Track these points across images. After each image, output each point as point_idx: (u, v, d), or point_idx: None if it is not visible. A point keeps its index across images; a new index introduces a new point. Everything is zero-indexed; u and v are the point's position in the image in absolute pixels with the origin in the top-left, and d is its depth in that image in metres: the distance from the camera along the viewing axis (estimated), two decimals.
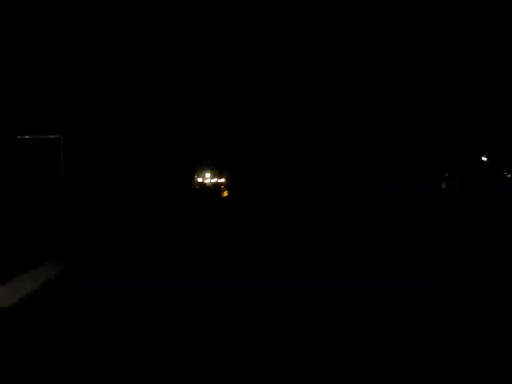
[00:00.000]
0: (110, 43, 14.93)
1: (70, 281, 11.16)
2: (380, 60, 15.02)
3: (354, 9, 14.99)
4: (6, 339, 8.10)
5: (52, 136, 14.54)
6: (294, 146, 15.27)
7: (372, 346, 7.76)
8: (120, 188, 16.16)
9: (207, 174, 36.05)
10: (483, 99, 15.26)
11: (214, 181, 36.75)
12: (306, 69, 15.21)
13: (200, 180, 34.68)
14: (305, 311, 9.35)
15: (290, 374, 7.11)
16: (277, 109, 15.06)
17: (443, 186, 18.63)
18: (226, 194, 28.97)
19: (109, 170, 15.70)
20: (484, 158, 15.74)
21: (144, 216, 16.98)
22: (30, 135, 14.93)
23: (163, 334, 8.27)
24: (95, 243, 13.97)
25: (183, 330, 8.45)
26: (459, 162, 15.16)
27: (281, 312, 9.30)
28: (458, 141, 15.21)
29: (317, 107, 15.22)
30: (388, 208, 15.26)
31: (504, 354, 7.41)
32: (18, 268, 11.55)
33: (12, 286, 10.87)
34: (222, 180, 34.09)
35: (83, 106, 15.11)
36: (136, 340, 8.03)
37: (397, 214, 15.29)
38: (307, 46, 15.14)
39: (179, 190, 15.50)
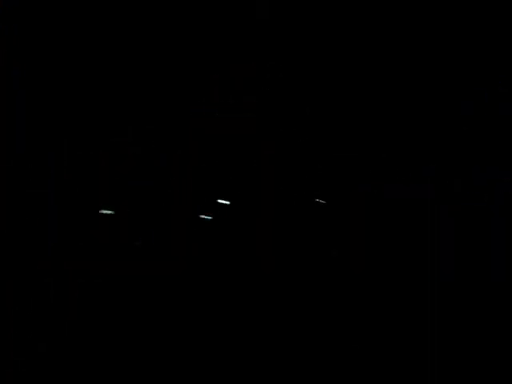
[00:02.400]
0: (110, 42, 14.92)
1: None
2: (380, 59, 15.02)
3: (354, 9, 14.99)
4: None
5: None
6: (293, 145, 15.27)
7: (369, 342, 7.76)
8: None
9: None
10: (483, 99, 15.28)
11: None
12: (306, 69, 15.20)
13: None
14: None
15: None
16: (277, 109, 15.05)
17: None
18: None
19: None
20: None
21: None
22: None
23: None
24: None
25: None
26: (460, 161, 15.17)
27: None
28: (458, 140, 15.21)
29: (317, 107, 15.21)
30: (388, 208, 15.27)
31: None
32: None
33: None
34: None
35: (82, 105, 15.12)
36: None
37: (397, 213, 15.30)
38: (307, 46, 15.13)
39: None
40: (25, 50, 14.46)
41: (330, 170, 14.96)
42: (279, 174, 14.96)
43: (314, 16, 15.13)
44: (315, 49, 15.09)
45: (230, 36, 15.03)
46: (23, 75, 14.38)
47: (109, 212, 14.58)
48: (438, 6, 14.26)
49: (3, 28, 13.92)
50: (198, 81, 15.14)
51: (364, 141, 14.94)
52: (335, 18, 15.02)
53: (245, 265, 12.64)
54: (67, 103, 15.03)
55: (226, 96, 14.95)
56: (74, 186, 14.79)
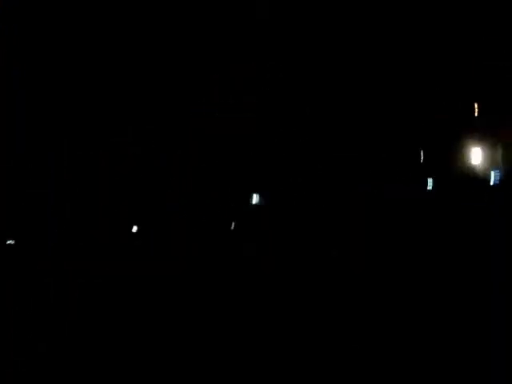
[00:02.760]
0: (109, 42, 14.93)
1: None
2: (380, 59, 15.02)
3: (354, 9, 14.99)
4: None
5: None
6: (293, 145, 15.27)
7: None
8: None
9: None
10: (483, 99, 15.28)
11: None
12: (306, 69, 15.20)
13: None
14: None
15: None
16: (277, 109, 15.06)
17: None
18: None
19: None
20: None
21: None
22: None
23: None
24: None
25: None
26: (459, 161, 15.16)
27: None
28: (458, 140, 15.21)
29: (317, 107, 15.22)
30: (388, 208, 15.26)
31: None
32: None
33: None
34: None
35: (82, 105, 15.12)
36: None
37: (397, 213, 15.29)
38: (307, 46, 15.13)
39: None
40: (25, 49, 14.47)
41: (329, 169, 14.97)
42: (279, 173, 14.97)
43: (314, 16, 15.13)
44: (315, 49, 15.09)
45: (229, 36, 15.04)
46: (23, 75, 14.39)
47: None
48: (439, 8, 14.28)
49: (3, 28, 13.93)
50: (198, 81, 15.14)
51: (364, 141, 14.95)
52: (335, 18, 15.02)
53: (244, 265, 12.63)
54: (67, 103, 15.03)
55: (226, 96, 14.96)
56: (74, 186, 14.79)
